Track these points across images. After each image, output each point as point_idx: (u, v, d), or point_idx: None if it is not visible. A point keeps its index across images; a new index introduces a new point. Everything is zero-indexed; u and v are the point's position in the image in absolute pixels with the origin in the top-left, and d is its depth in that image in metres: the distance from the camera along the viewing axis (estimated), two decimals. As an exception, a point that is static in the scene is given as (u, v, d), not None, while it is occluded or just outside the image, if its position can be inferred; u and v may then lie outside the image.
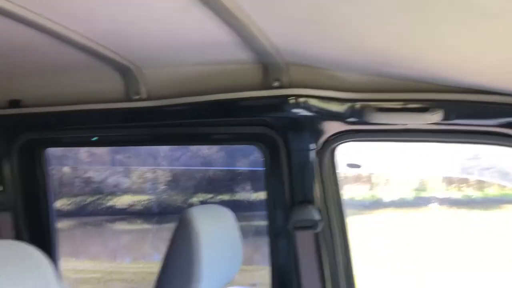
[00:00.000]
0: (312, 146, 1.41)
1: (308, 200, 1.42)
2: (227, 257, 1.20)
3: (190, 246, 1.06)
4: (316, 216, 1.40)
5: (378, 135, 1.40)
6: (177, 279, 1.07)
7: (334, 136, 1.40)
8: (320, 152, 1.42)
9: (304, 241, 1.40)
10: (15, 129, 1.60)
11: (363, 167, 1.81)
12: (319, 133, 1.40)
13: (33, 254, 0.64)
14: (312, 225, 1.39)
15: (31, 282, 0.62)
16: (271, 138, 1.47)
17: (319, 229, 1.40)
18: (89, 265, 3.69)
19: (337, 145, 1.43)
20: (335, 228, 1.44)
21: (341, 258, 1.45)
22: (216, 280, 1.17)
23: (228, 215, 1.27)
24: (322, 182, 1.43)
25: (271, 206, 1.51)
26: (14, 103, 1.51)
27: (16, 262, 0.61)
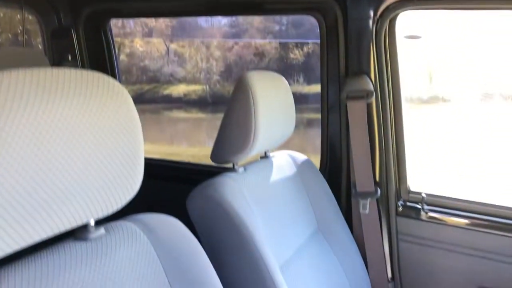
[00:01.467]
0: (371, 14, 1.36)
1: (363, 71, 1.41)
2: (281, 119, 1.24)
3: (247, 106, 1.10)
4: (370, 86, 1.39)
5: (444, 2, 1.31)
6: (235, 137, 1.12)
7: (394, 3, 1.34)
8: (379, 21, 1.37)
9: (356, 112, 1.41)
10: (79, 0, 1.65)
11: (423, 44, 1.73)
12: (379, 0, 1.34)
13: (114, 84, 0.67)
14: (365, 95, 1.39)
15: (114, 109, 0.66)
16: (329, 6, 1.42)
17: (372, 99, 1.40)
18: (149, 147, 3.92)
19: (397, 13, 1.37)
20: (389, 100, 1.43)
21: (393, 131, 1.46)
22: (271, 139, 1.22)
23: (282, 80, 1.29)
24: (379, 52, 1.40)
25: (326, 77, 1.51)
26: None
27: (98, 91, 0.65)
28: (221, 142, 1.15)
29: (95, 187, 0.64)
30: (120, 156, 0.67)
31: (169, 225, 0.83)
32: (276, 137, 1.25)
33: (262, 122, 1.11)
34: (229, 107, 1.14)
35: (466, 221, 1.41)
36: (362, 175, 1.44)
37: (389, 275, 1.49)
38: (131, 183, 0.70)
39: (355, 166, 1.45)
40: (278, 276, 1.04)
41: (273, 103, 1.19)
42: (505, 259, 1.36)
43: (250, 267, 1.03)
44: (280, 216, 1.23)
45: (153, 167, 2.09)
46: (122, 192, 0.69)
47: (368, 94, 1.39)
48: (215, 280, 0.83)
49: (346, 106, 1.43)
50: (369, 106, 1.41)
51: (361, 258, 1.45)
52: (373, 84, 1.41)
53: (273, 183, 1.27)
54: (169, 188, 1.68)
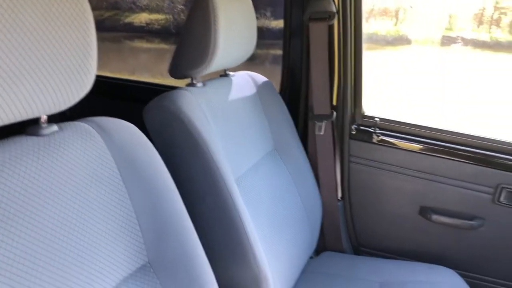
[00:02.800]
0: None
1: None
2: (241, 38, 1.23)
3: (207, 18, 1.08)
4: (332, 7, 1.39)
5: None
6: (193, 50, 1.11)
7: None
8: None
9: (317, 33, 1.42)
10: None
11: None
12: None
13: None
14: (327, 16, 1.39)
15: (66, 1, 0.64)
16: None
17: (333, 21, 1.41)
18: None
19: None
20: (350, 22, 1.44)
21: (352, 55, 1.49)
22: (230, 57, 1.22)
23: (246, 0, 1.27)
24: None
25: (288, 1, 1.50)
26: None
27: None
28: (179, 55, 1.14)
29: (47, 80, 0.64)
30: (72, 49, 0.66)
31: (125, 129, 0.82)
32: (236, 55, 1.25)
33: (221, 36, 1.10)
34: (189, 19, 1.12)
35: (414, 145, 1.49)
36: (319, 98, 1.48)
37: (339, 194, 1.57)
38: (84, 79, 0.69)
39: (313, 89, 1.47)
40: (234, 187, 1.08)
41: (234, 20, 1.17)
42: (446, 180, 1.46)
43: (206, 177, 1.05)
44: (237, 133, 1.26)
45: (105, 85, 2.04)
46: (75, 88, 0.68)
47: (330, 16, 1.39)
48: (172, 186, 0.85)
49: (308, 29, 1.44)
50: (330, 29, 1.42)
51: (314, 178, 1.51)
52: (335, 6, 1.41)
53: (232, 101, 1.29)
54: (122, 107, 1.67)
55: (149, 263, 0.78)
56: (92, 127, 0.77)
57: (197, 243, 0.84)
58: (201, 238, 0.86)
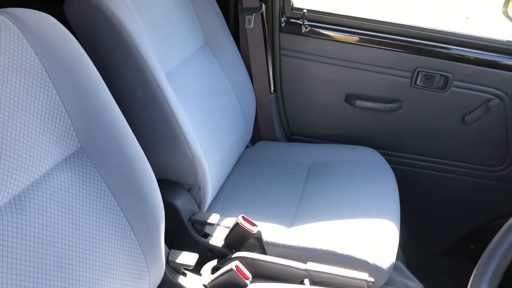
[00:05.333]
0: None
1: None
2: None
3: None
4: None
5: None
6: None
7: None
8: None
9: None
10: None
11: None
12: None
13: None
14: None
15: None
16: None
17: None
18: None
19: None
20: None
21: None
22: None
23: None
24: None
25: None
26: None
27: None
28: None
29: None
30: None
31: (43, 20, 0.79)
32: None
33: None
34: None
35: (341, 35, 1.55)
36: (248, -10, 1.48)
37: (272, 87, 1.65)
38: None
39: (241, -20, 1.47)
40: (163, 79, 1.11)
41: None
42: (369, 67, 1.56)
43: (134, 71, 1.07)
44: (165, 28, 1.26)
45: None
46: None
47: None
48: (98, 77, 0.85)
49: None
50: None
51: (247, 72, 1.56)
52: None
53: None
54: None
55: (81, 148, 0.82)
56: (8, 18, 0.74)
57: (128, 130, 0.88)
58: (134, 131, 0.89)
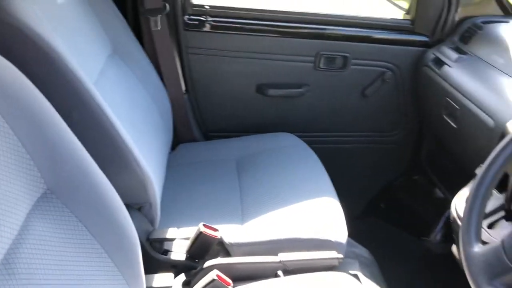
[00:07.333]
0: None
1: None
2: None
3: None
4: None
5: None
6: None
7: None
8: None
9: None
10: None
11: None
12: None
13: None
14: None
15: None
16: None
17: None
18: None
19: None
20: None
21: None
22: None
23: None
24: None
25: None
26: None
27: None
28: None
29: None
30: None
31: None
32: None
33: None
34: None
35: (247, 27, 1.57)
36: (147, -9, 1.41)
37: (183, 87, 1.60)
38: None
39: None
40: (97, 94, 1.01)
41: None
42: (276, 57, 1.61)
43: (63, 86, 0.95)
44: (74, 36, 1.14)
45: None
46: None
47: None
48: (49, 107, 0.76)
49: None
50: None
51: (158, 75, 1.50)
52: None
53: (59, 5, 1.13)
54: None
55: (48, 189, 0.73)
56: None
57: (89, 158, 0.80)
58: None
